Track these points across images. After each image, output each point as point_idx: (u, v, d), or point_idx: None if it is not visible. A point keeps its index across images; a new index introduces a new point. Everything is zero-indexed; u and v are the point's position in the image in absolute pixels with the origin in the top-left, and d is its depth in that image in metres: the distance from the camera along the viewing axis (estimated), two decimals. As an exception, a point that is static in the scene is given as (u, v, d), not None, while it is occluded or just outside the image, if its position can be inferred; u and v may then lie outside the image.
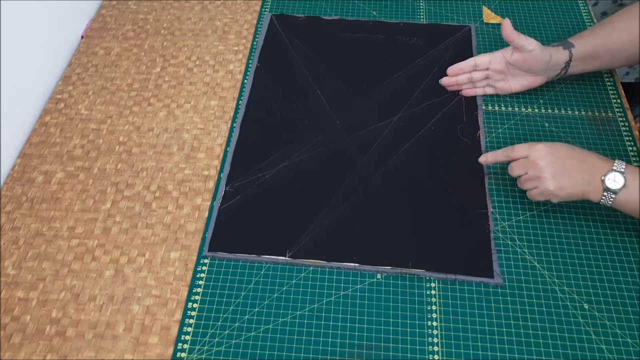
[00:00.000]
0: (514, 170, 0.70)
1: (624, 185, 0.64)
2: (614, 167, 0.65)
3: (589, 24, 0.97)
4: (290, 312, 0.65)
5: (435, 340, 0.63)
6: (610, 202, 0.66)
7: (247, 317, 0.65)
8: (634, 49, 0.80)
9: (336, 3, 1.02)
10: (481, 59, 0.83)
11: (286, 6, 1.02)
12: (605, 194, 0.65)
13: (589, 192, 0.66)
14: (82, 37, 0.98)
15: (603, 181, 0.65)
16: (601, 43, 0.81)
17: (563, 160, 0.67)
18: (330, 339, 0.63)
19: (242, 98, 0.87)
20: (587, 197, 0.67)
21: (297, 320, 0.64)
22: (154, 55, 0.94)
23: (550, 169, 0.66)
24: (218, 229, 0.72)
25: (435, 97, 0.86)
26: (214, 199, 0.75)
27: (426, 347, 0.62)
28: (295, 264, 0.69)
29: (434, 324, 0.64)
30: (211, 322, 0.64)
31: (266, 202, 0.74)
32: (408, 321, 0.64)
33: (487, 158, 0.74)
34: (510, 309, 0.65)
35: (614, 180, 0.65)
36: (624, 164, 0.66)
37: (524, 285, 0.67)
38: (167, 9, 1.02)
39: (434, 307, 0.65)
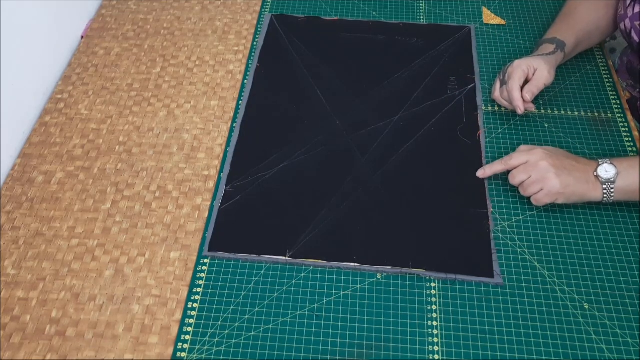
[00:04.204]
0: (516, 177, 0.71)
1: (617, 172, 0.68)
2: (600, 162, 0.69)
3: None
4: (290, 312, 0.65)
5: (435, 340, 0.63)
6: (612, 195, 0.68)
7: (247, 317, 0.65)
8: (604, 22, 0.86)
9: (336, 3, 1.03)
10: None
11: (286, 6, 1.02)
12: (604, 187, 0.68)
13: (589, 190, 0.68)
14: (82, 37, 0.98)
15: (597, 176, 0.68)
16: (579, 30, 0.85)
17: (562, 160, 0.69)
18: (330, 339, 0.63)
19: (242, 98, 0.87)
20: (589, 196, 0.69)
21: (297, 320, 0.64)
22: (154, 56, 0.94)
23: (554, 168, 0.68)
24: (218, 229, 0.72)
25: (435, 97, 0.86)
26: (214, 199, 0.75)
27: (426, 347, 0.62)
28: (295, 264, 0.69)
29: (434, 324, 0.64)
30: (211, 322, 0.64)
31: (266, 202, 0.74)
32: (408, 321, 0.64)
33: (485, 171, 0.74)
34: (510, 309, 0.65)
35: (606, 171, 0.68)
36: (607, 158, 0.70)
37: (524, 285, 0.67)
38: (167, 9, 1.02)
39: (434, 307, 0.65)
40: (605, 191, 0.68)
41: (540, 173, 0.69)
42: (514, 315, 0.65)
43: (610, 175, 0.68)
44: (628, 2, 0.81)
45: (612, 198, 0.69)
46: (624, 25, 0.82)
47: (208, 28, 0.99)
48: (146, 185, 0.77)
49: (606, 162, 0.69)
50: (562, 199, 0.69)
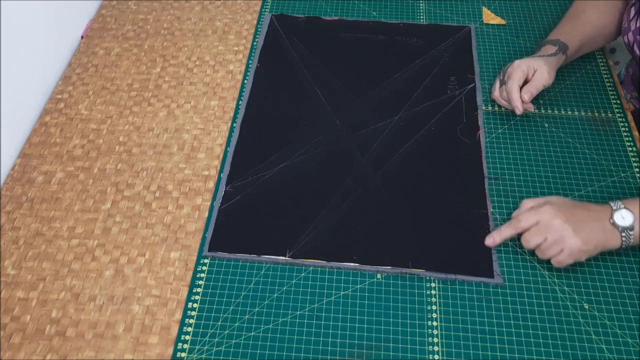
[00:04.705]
0: (530, 241, 0.65)
1: (635, 218, 0.63)
2: (614, 207, 0.64)
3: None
4: (290, 312, 0.65)
5: (435, 340, 0.63)
6: (631, 240, 0.64)
7: (247, 317, 0.65)
8: (610, 29, 0.86)
9: (336, 3, 1.03)
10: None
11: (286, 6, 1.02)
12: (623, 234, 0.63)
13: (607, 240, 0.64)
14: (82, 37, 0.98)
15: (613, 223, 0.64)
16: (584, 34, 0.84)
17: (575, 213, 0.64)
18: (330, 339, 0.63)
19: (242, 98, 0.87)
20: (608, 245, 0.64)
21: (297, 320, 0.64)
22: (154, 56, 0.94)
23: (569, 225, 0.63)
24: (218, 229, 0.72)
25: (435, 97, 0.86)
26: (214, 199, 0.75)
27: (426, 347, 0.62)
28: (295, 264, 0.69)
29: (434, 324, 0.64)
30: (211, 322, 0.64)
31: (266, 202, 0.74)
32: (408, 321, 0.64)
33: (495, 239, 0.68)
34: (510, 309, 0.65)
35: (623, 217, 0.64)
36: (619, 201, 0.65)
37: (524, 285, 0.67)
38: (167, 9, 1.02)
39: (434, 307, 0.65)
40: (624, 238, 0.63)
41: (557, 233, 0.63)
42: (514, 315, 0.65)
43: (628, 222, 0.63)
44: (632, 15, 0.80)
45: (631, 244, 0.64)
46: (627, 38, 0.81)
47: (208, 28, 0.99)
48: (146, 185, 0.77)
49: (621, 208, 0.64)
50: (585, 256, 0.64)
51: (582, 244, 0.63)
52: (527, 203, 0.68)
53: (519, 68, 0.79)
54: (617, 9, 0.85)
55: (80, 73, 0.91)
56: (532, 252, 0.69)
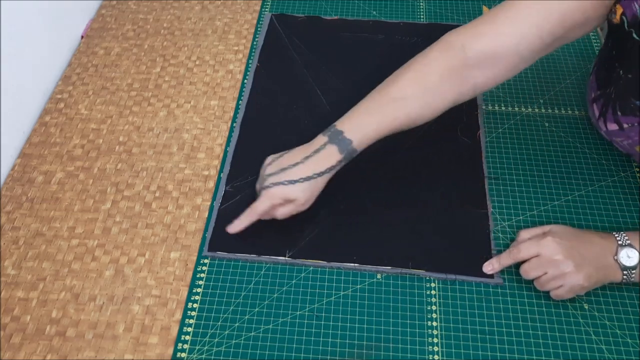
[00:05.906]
0: (530, 273, 0.64)
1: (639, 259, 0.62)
2: (620, 242, 0.63)
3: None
4: (290, 312, 0.65)
5: (435, 340, 0.63)
6: (632, 278, 0.62)
7: (247, 317, 0.65)
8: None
9: (336, 3, 1.02)
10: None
11: (286, 6, 1.02)
12: (625, 272, 0.62)
13: (608, 275, 0.62)
14: (82, 37, 0.98)
15: (617, 261, 0.62)
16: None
17: (577, 247, 0.62)
18: (330, 339, 0.63)
19: (242, 98, 0.87)
20: (609, 280, 0.63)
21: (297, 320, 0.64)
22: (154, 55, 0.94)
23: (571, 261, 0.61)
24: (218, 229, 0.72)
25: (435, 97, 0.86)
26: (214, 199, 0.75)
27: (426, 347, 0.62)
28: (295, 264, 0.69)
29: (434, 324, 0.64)
30: (211, 322, 0.64)
31: (266, 202, 0.74)
32: (408, 321, 0.64)
33: (494, 266, 0.67)
34: (510, 309, 0.65)
35: (628, 256, 0.62)
36: (624, 234, 0.63)
37: (524, 285, 0.67)
38: (167, 9, 1.02)
39: (434, 307, 0.65)
40: (625, 276, 0.62)
41: (559, 269, 0.61)
42: (514, 316, 0.65)
43: (633, 263, 0.61)
44: (597, 114, 0.72)
45: (632, 281, 0.63)
46: (603, 134, 0.73)
47: (208, 28, 0.99)
48: (146, 185, 0.77)
49: (627, 246, 0.62)
50: (585, 291, 0.63)
51: (583, 281, 0.61)
52: (523, 235, 0.67)
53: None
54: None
55: (80, 73, 0.91)
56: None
